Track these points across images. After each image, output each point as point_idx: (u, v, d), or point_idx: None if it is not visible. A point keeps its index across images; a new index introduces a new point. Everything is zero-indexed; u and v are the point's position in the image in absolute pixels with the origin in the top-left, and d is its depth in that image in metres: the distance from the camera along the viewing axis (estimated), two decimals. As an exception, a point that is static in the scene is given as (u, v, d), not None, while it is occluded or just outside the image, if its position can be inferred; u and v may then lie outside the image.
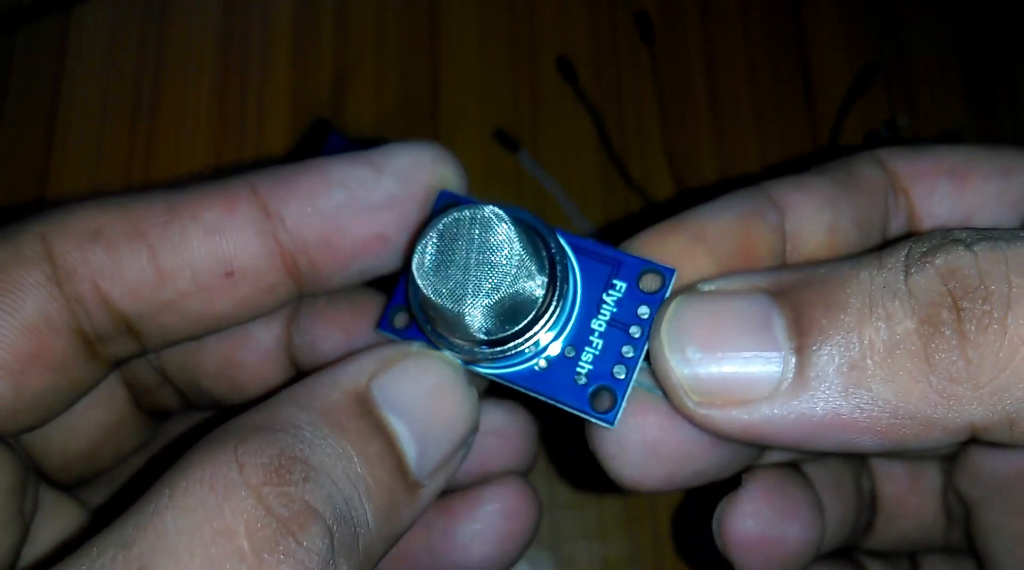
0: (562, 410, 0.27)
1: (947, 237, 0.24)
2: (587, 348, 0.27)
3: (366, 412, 0.25)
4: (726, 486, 0.33)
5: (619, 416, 0.26)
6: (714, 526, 0.33)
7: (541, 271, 0.26)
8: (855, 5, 0.65)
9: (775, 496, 0.33)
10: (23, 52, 0.60)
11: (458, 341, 0.27)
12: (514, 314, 0.26)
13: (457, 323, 0.25)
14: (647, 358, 0.26)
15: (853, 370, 0.23)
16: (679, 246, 0.28)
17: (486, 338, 0.26)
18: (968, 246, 0.23)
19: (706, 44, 0.63)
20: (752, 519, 0.32)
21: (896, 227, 0.32)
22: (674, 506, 0.54)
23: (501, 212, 0.25)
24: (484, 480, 0.34)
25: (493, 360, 0.27)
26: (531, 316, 0.26)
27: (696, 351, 0.25)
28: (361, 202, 0.29)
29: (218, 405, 0.34)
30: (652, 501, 0.53)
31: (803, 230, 0.29)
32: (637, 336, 0.26)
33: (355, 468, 0.24)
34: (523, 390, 0.27)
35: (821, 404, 0.23)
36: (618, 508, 0.53)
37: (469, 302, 0.25)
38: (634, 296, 0.27)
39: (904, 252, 0.24)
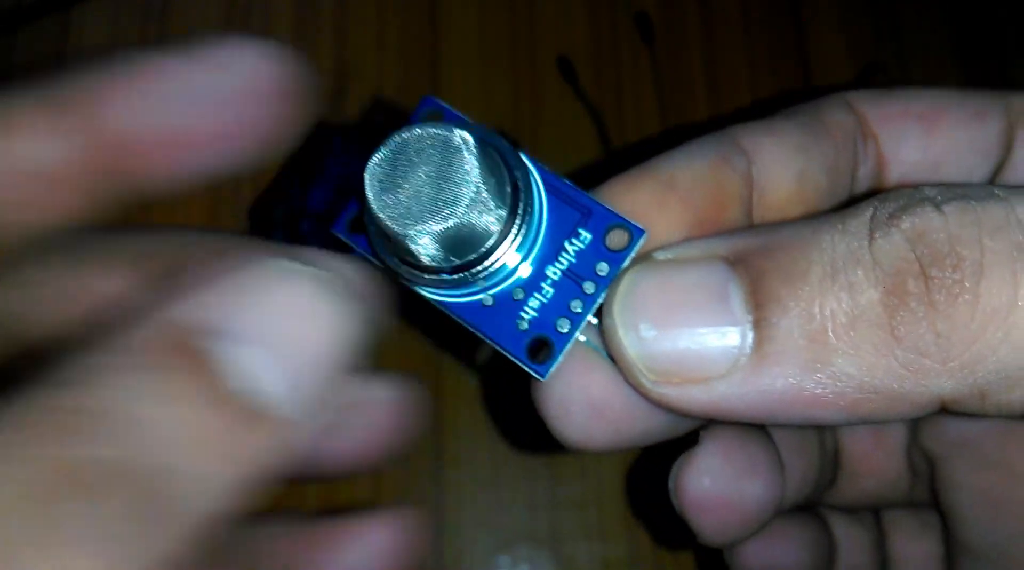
0: (502, 356, 0.25)
1: (915, 196, 0.22)
2: (536, 294, 0.25)
3: (191, 349, 0.19)
4: (683, 443, 0.32)
5: (552, 370, 0.25)
6: (670, 485, 0.32)
7: (500, 205, 0.24)
8: (855, 5, 0.65)
9: (734, 453, 0.32)
10: (23, 52, 0.60)
11: (405, 262, 0.25)
12: (463, 246, 0.24)
13: (401, 245, 0.24)
14: (598, 315, 0.25)
15: (814, 344, 0.22)
16: (649, 195, 0.27)
17: (431, 265, 0.25)
18: (937, 206, 0.21)
19: (706, 44, 0.63)
20: (709, 477, 0.31)
21: (864, 174, 0.31)
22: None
23: (469, 139, 0.24)
24: (363, 514, 0.29)
25: (437, 286, 0.25)
26: (482, 250, 0.24)
27: (650, 328, 0.23)
28: (188, 97, 0.25)
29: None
30: (652, 501, 0.53)
31: (771, 178, 0.28)
32: (590, 292, 0.25)
33: (170, 411, 0.18)
34: (463, 323, 0.26)
35: (781, 380, 0.22)
36: (618, 508, 0.53)
37: (415, 228, 0.23)
38: (597, 250, 0.25)
39: (868, 213, 0.22)
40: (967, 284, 0.20)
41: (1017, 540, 0.34)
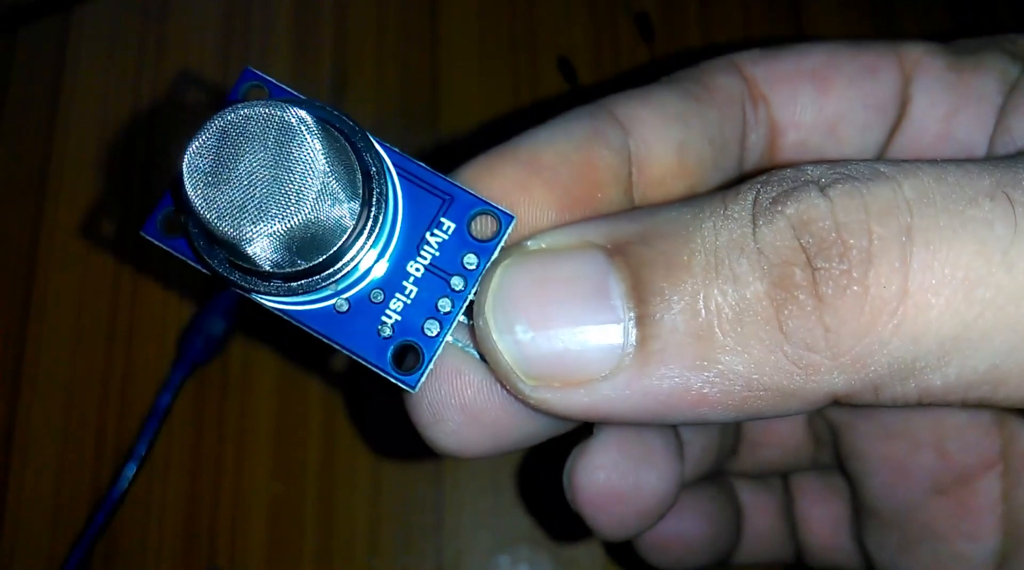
0: (359, 364, 0.23)
1: (799, 177, 0.21)
2: (398, 294, 0.23)
3: None
4: (576, 434, 0.30)
5: (422, 380, 0.22)
6: (564, 480, 0.30)
7: (352, 197, 0.21)
8: (855, 5, 0.65)
9: (630, 443, 0.30)
10: (23, 52, 0.60)
11: (237, 267, 0.22)
12: (310, 246, 0.21)
13: (233, 248, 0.20)
14: (468, 313, 0.23)
15: (700, 341, 0.20)
16: (511, 178, 0.24)
17: (271, 270, 0.21)
18: (822, 190, 0.20)
19: (706, 44, 0.63)
20: (603, 472, 0.29)
21: (756, 140, 0.29)
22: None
23: (308, 119, 0.20)
24: None
25: (278, 294, 0.22)
26: (333, 250, 0.21)
27: (527, 329, 0.21)
28: None
29: None
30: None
31: (650, 151, 0.26)
32: (459, 289, 0.23)
33: None
34: (313, 334, 0.23)
35: (668, 380, 0.21)
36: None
37: (250, 227, 0.20)
38: (463, 241, 0.23)
39: (751, 197, 0.21)
40: (855, 274, 0.19)
41: (920, 504, 0.33)
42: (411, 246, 0.23)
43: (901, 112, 0.28)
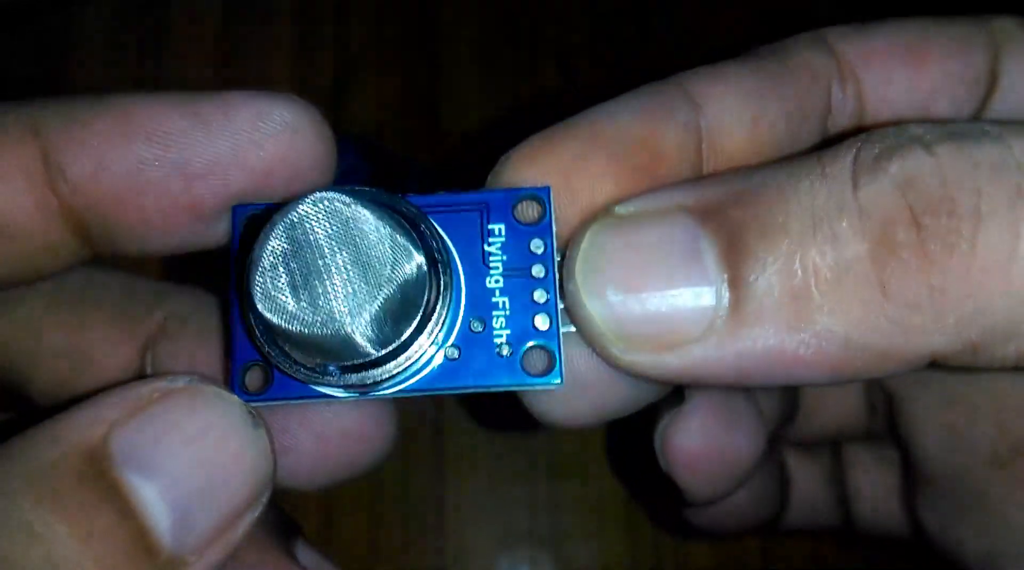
0: (495, 393, 0.23)
1: (902, 135, 0.20)
2: (494, 312, 0.23)
3: (96, 475, 0.19)
4: (660, 403, 0.30)
5: (564, 372, 0.22)
6: (656, 445, 0.31)
7: (416, 247, 0.21)
8: (856, 12, 0.65)
9: (720, 408, 0.31)
10: (23, 51, 0.60)
11: (347, 371, 0.22)
12: (406, 309, 0.21)
13: (343, 349, 0.21)
14: (561, 294, 0.23)
15: (796, 301, 0.20)
16: (568, 151, 0.24)
17: (381, 352, 0.21)
18: (928, 148, 0.19)
19: (706, 44, 0.63)
20: (699, 435, 0.30)
21: (843, 116, 0.28)
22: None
23: (342, 194, 0.20)
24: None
25: (394, 377, 0.22)
26: (425, 303, 0.21)
27: (617, 293, 0.21)
28: (172, 164, 0.23)
29: None
30: (655, 527, 0.53)
31: (721, 127, 0.25)
32: (543, 275, 0.23)
33: (64, 551, 0.18)
34: (445, 393, 0.23)
35: (761, 341, 0.20)
36: (618, 508, 0.53)
37: (351, 319, 0.20)
38: (519, 234, 0.23)
39: (851, 156, 0.20)
40: (964, 233, 0.19)
41: (975, 471, 0.33)
42: (477, 265, 0.23)
43: (991, 86, 0.28)
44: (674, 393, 0.30)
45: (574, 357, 0.23)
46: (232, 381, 0.23)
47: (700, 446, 0.30)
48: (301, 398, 0.23)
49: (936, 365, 0.21)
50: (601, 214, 0.23)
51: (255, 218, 0.23)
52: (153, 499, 0.19)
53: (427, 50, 0.62)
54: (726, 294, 0.21)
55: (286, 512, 0.28)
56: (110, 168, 0.23)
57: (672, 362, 0.21)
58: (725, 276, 0.21)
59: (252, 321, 0.22)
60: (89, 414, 0.20)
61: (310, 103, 0.24)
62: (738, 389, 0.32)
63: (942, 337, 0.19)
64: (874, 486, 0.38)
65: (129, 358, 0.26)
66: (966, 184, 0.19)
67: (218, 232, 0.24)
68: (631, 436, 0.53)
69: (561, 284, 0.23)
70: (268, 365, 0.23)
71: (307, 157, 0.23)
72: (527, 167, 0.24)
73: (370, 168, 0.55)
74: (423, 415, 0.53)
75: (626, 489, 0.53)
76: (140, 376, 0.26)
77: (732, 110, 0.25)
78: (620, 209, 0.23)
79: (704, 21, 0.64)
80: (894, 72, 0.27)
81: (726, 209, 0.21)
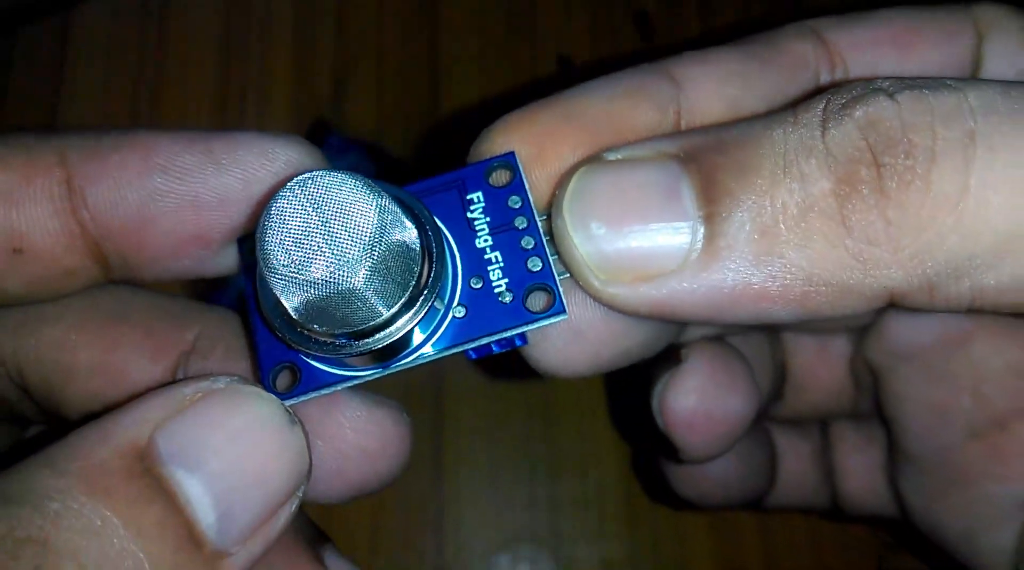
0: (508, 340, 0.24)
1: (868, 87, 0.22)
2: (490, 268, 0.24)
3: (143, 471, 0.20)
4: (657, 364, 0.32)
5: (565, 302, 0.24)
6: (654, 405, 0.32)
7: (402, 211, 0.23)
8: (855, 5, 0.65)
9: (717, 369, 0.32)
10: (23, 52, 0.60)
11: (363, 335, 0.23)
12: (405, 266, 0.22)
13: (353, 309, 0.22)
14: (550, 240, 0.25)
15: (765, 236, 0.21)
16: (542, 128, 0.25)
17: (390, 311, 0.22)
18: (891, 96, 0.21)
19: (706, 44, 0.63)
20: (695, 395, 0.32)
21: None
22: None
23: (321, 173, 0.22)
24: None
25: (407, 342, 0.23)
26: (422, 268, 0.23)
27: (600, 226, 0.23)
28: (184, 196, 0.25)
29: None
30: (652, 501, 0.53)
31: (700, 107, 0.27)
32: (525, 226, 0.24)
33: (121, 544, 0.19)
34: (461, 349, 0.24)
35: (732, 274, 0.22)
36: (618, 508, 0.53)
37: (353, 275, 0.21)
38: (496, 196, 0.25)
39: (821, 105, 0.22)
40: (919, 170, 0.20)
41: (956, 448, 0.34)
42: (464, 232, 0.25)
43: (975, 71, 0.29)
44: (672, 356, 0.32)
45: (572, 308, 0.25)
46: (263, 383, 0.24)
47: (696, 405, 0.32)
48: (329, 386, 0.24)
49: (896, 306, 0.22)
50: (591, 159, 0.24)
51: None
52: (198, 494, 0.20)
53: (427, 50, 0.62)
54: (701, 229, 0.22)
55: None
56: (127, 198, 0.24)
57: (649, 293, 0.23)
58: (701, 213, 0.22)
59: (268, 314, 0.24)
60: (135, 414, 0.21)
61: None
62: (733, 352, 0.33)
63: (898, 272, 0.21)
64: (860, 465, 0.39)
65: (161, 376, 0.27)
66: (923, 127, 0.20)
67: (223, 262, 0.26)
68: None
69: (550, 219, 0.24)
70: (295, 364, 0.24)
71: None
72: (504, 138, 0.25)
73: (372, 169, 0.55)
74: (423, 415, 0.53)
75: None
76: None
77: (712, 91, 0.27)
78: (608, 155, 0.24)
79: (704, 21, 0.64)
80: (881, 59, 0.29)
81: (706, 154, 0.23)
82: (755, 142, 0.22)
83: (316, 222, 0.21)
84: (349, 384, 0.24)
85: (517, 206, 0.25)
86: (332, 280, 0.21)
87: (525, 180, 0.25)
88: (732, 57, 0.27)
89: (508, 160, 0.25)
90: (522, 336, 0.24)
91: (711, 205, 0.22)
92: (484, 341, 0.24)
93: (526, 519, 0.53)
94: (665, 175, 0.23)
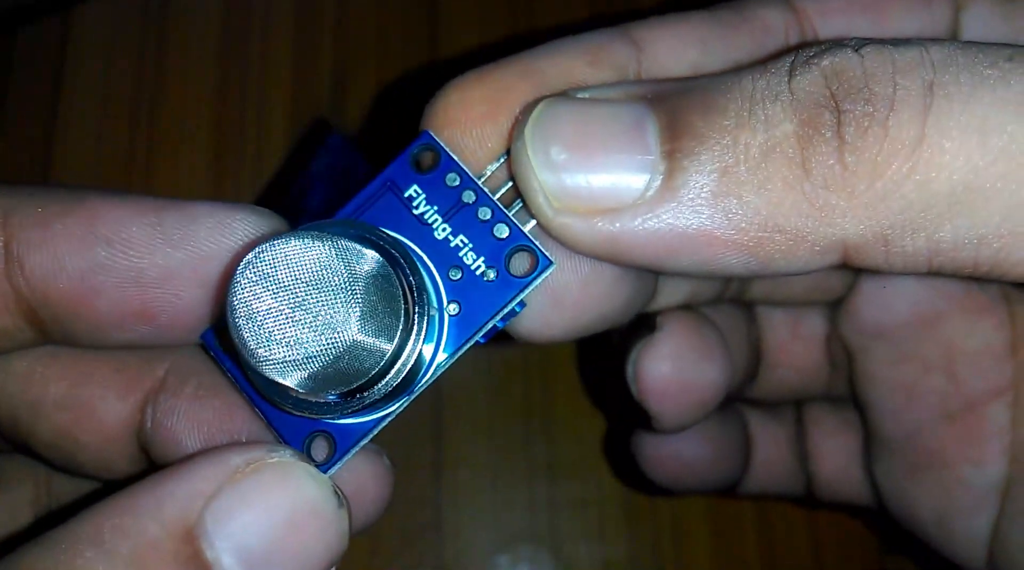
0: (510, 312, 0.24)
1: (836, 43, 0.22)
2: (461, 254, 0.24)
3: (192, 555, 0.20)
4: (631, 334, 0.32)
5: (546, 251, 0.24)
6: (628, 372, 0.32)
7: (361, 243, 0.22)
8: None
9: (692, 337, 0.32)
10: (23, 52, 0.60)
11: (378, 380, 0.22)
12: (388, 296, 0.22)
13: (360, 361, 0.21)
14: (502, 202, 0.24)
15: (724, 176, 0.21)
16: (498, 82, 0.25)
17: (393, 344, 0.22)
18: (856, 49, 0.21)
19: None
20: (670, 362, 0.31)
21: None
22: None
23: (264, 247, 0.21)
24: None
25: (418, 363, 0.23)
26: (403, 288, 0.22)
27: (561, 152, 0.22)
28: (128, 271, 0.24)
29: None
30: (652, 501, 0.53)
31: (659, 71, 0.27)
32: (474, 199, 0.24)
33: None
34: (471, 344, 0.24)
35: (687, 213, 0.22)
36: (618, 508, 0.53)
37: (345, 328, 0.21)
38: (432, 182, 0.24)
39: (791, 58, 0.22)
40: (877, 117, 0.20)
41: (928, 430, 0.34)
42: (420, 230, 0.24)
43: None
44: (646, 324, 0.32)
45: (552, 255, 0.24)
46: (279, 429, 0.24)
47: (671, 372, 0.31)
48: (366, 435, 0.24)
49: (852, 265, 0.22)
50: (556, 94, 0.24)
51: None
52: None
53: (427, 50, 0.62)
54: (662, 166, 0.22)
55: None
56: (68, 268, 0.23)
57: (602, 228, 0.22)
58: (664, 149, 0.22)
59: (270, 395, 0.23)
60: (187, 486, 0.20)
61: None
62: (707, 321, 0.33)
63: (852, 220, 0.21)
64: (835, 449, 0.39)
65: (130, 412, 0.26)
66: (884, 77, 0.21)
67: (175, 333, 0.25)
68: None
69: (510, 146, 0.24)
70: (324, 431, 0.24)
71: (253, 245, 0.24)
72: (459, 95, 0.25)
73: (371, 169, 0.55)
74: (423, 416, 0.53)
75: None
76: (141, 430, 0.26)
77: (674, 54, 0.26)
78: (578, 93, 0.24)
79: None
80: (854, 27, 0.28)
81: (675, 96, 0.23)
82: (724, 87, 0.22)
83: (284, 298, 0.21)
84: (384, 424, 0.24)
85: (457, 183, 0.24)
86: (327, 346, 0.21)
87: (451, 153, 0.24)
88: (697, 22, 0.27)
89: (426, 141, 0.25)
90: (521, 302, 0.24)
91: (674, 141, 0.22)
92: (489, 325, 0.24)
93: (526, 519, 0.53)
94: (632, 112, 0.23)
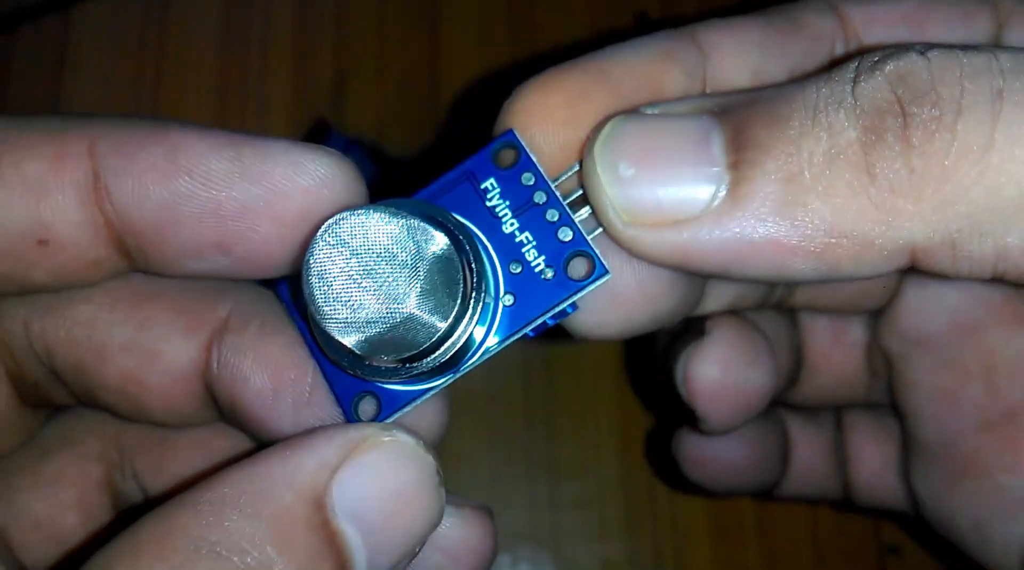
0: (561, 311, 0.25)
1: (901, 47, 0.22)
2: (524, 250, 0.25)
3: (321, 522, 0.21)
4: (679, 338, 0.33)
5: (604, 261, 0.24)
6: (677, 375, 0.33)
7: (431, 225, 0.23)
8: None
9: (741, 342, 0.33)
10: (23, 52, 0.60)
11: (429, 353, 0.24)
12: (449, 278, 0.23)
13: (415, 334, 0.23)
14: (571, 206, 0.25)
15: (789, 184, 0.22)
16: (574, 86, 0.25)
17: (447, 324, 0.23)
18: (922, 53, 0.21)
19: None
20: (719, 366, 0.32)
21: None
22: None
23: (344, 215, 0.22)
24: None
25: (468, 345, 0.24)
26: (464, 272, 0.23)
27: (629, 167, 0.23)
28: (207, 202, 0.24)
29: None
30: (652, 501, 0.53)
31: (724, 76, 0.27)
32: (545, 200, 0.25)
33: None
34: (520, 335, 0.25)
35: (753, 222, 0.22)
36: (618, 508, 0.53)
37: (405, 301, 0.22)
38: (508, 178, 0.25)
39: (855, 64, 0.22)
40: (945, 121, 0.20)
41: (967, 438, 0.34)
42: (490, 221, 0.25)
43: None
44: (695, 328, 0.33)
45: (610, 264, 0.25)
46: (346, 417, 0.25)
47: (720, 376, 0.32)
48: (411, 402, 0.25)
49: (920, 269, 0.22)
50: (627, 112, 0.24)
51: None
52: (359, 549, 0.21)
53: (427, 50, 0.62)
54: (727, 177, 0.22)
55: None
56: (151, 197, 0.24)
57: (670, 238, 0.23)
58: (729, 160, 0.22)
59: (329, 350, 0.25)
60: (317, 456, 0.22)
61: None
62: (755, 327, 0.33)
63: (920, 225, 0.21)
64: (874, 455, 0.39)
65: (196, 351, 0.27)
66: (952, 81, 0.21)
67: (249, 266, 0.26)
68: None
69: (581, 161, 0.24)
70: (372, 392, 0.25)
71: (337, 211, 0.24)
72: (536, 97, 0.26)
73: (372, 169, 0.55)
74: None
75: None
76: (207, 369, 0.27)
77: (736, 61, 0.27)
78: (647, 109, 0.25)
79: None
80: (894, 36, 0.29)
81: (740, 108, 0.23)
82: (788, 97, 0.22)
83: (355, 264, 0.22)
84: (428, 396, 0.25)
85: (531, 183, 0.25)
86: (386, 315, 0.22)
87: (531, 154, 0.25)
88: (754, 28, 0.28)
89: (509, 139, 0.25)
90: (572, 304, 0.25)
91: (739, 153, 0.22)
92: (539, 321, 0.25)
93: (526, 519, 0.53)
94: (698, 125, 0.23)
